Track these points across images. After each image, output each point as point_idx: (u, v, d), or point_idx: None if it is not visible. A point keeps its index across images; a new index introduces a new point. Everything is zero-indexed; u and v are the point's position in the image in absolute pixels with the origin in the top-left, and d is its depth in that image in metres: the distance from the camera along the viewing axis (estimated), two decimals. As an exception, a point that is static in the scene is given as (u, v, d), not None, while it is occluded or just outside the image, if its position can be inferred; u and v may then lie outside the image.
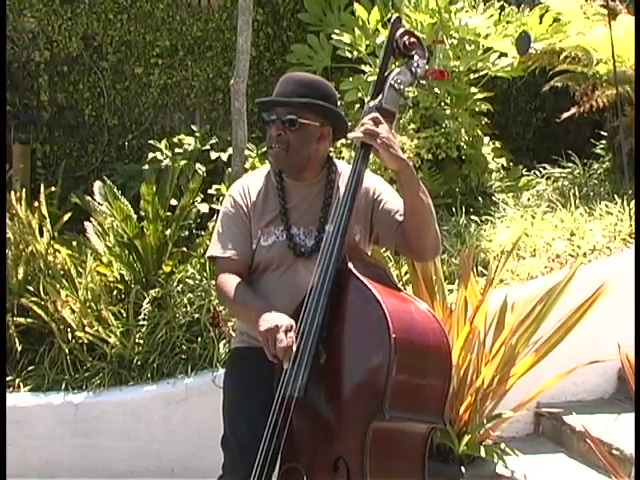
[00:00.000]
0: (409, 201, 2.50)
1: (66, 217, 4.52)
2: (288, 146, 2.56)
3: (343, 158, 4.62)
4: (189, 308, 4.15)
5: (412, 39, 2.52)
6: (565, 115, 5.40)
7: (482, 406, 3.55)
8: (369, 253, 2.67)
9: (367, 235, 2.63)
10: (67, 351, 4.07)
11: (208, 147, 5.36)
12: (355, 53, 5.40)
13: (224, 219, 2.67)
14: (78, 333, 4.08)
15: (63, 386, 4.03)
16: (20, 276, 4.20)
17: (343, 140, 4.61)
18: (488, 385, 3.54)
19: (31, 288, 4.18)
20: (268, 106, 2.61)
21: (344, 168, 2.67)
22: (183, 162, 5.17)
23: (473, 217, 4.84)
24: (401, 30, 2.52)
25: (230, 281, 2.57)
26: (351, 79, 5.33)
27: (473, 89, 5.37)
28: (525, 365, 3.57)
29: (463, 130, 5.14)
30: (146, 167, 5.27)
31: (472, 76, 5.37)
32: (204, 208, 4.73)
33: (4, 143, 4.77)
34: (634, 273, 3.93)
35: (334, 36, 5.49)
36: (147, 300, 4.16)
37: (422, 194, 2.50)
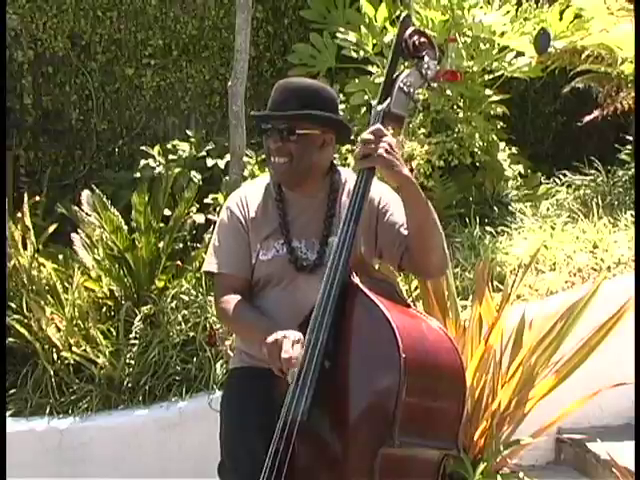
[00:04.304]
0: (412, 219, 2.52)
1: (51, 229, 4.54)
2: (291, 157, 2.58)
3: (349, 165, 4.64)
4: (184, 326, 4.17)
5: (422, 39, 2.54)
6: (587, 118, 5.41)
7: (498, 431, 3.56)
8: (376, 266, 2.69)
9: (372, 246, 2.65)
10: (52, 373, 4.09)
11: (204, 154, 5.38)
12: (361, 53, 5.42)
13: (221, 232, 2.68)
14: (64, 353, 4.10)
15: (47, 411, 4.05)
16: (2, 292, 4.23)
17: (349, 146, 4.68)
18: (505, 409, 3.55)
19: (13, 305, 4.20)
20: (261, 117, 2.65)
21: (348, 176, 2.69)
22: (177, 170, 5.19)
23: (488, 228, 4.85)
24: (410, 29, 2.53)
25: (231, 300, 2.59)
26: (357, 80, 5.34)
27: (488, 91, 5.39)
28: (545, 387, 3.58)
29: (477, 135, 5.15)
30: (138, 175, 5.30)
31: (487, 77, 5.39)
32: (200, 219, 4.74)
33: (4, 147, 4.80)
34: (634, 285, 3.93)
35: (339, 35, 5.51)
36: (138, 317, 4.18)
37: (427, 212, 2.50)
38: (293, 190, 2.66)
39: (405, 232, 2.56)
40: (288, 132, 2.57)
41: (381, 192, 2.66)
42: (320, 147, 2.61)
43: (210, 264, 2.68)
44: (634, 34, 4.79)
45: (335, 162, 2.75)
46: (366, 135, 2.44)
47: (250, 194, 2.70)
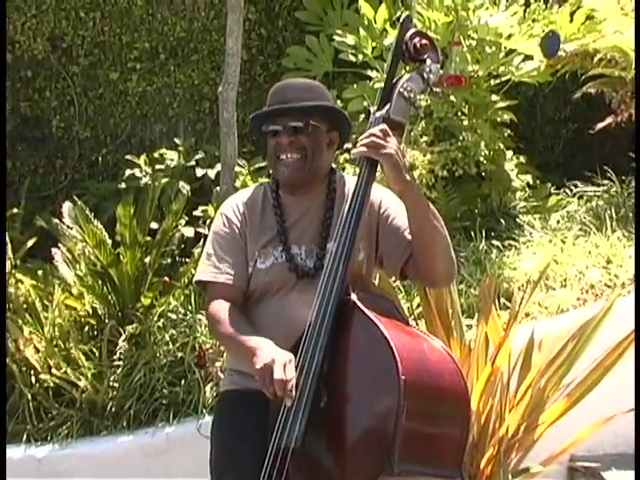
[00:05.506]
0: (415, 227, 2.54)
1: (30, 243, 4.56)
2: (305, 152, 2.62)
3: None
4: (171, 346, 4.17)
5: (424, 41, 2.56)
6: (600, 125, 5.43)
7: (507, 459, 3.55)
8: (375, 276, 2.69)
9: (372, 254, 2.66)
10: (30, 397, 4.09)
11: (193, 163, 5.40)
12: (360, 56, 5.44)
13: (216, 239, 2.69)
14: (43, 376, 4.09)
15: (24, 438, 4.05)
16: (-23, 310, 4.22)
17: (347, 155, 4.69)
18: (513, 435, 3.54)
19: (-11, 324, 4.20)
20: (266, 118, 2.66)
21: (348, 179, 2.72)
22: (165, 180, 5.21)
23: (494, 242, 4.86)
24: (411, 31, 2.56)
25: (223, 311, 2.58)
26: (355, 86, 5.37)
27: (494, 97, 5.40)
28: (556, 412, 3.57)
29: (483, 143, 5.16)
30: (123, 186, 5.31)
31: (493, 82, 5.41)
32: (189, 232, 4.76)
33: (4, 147, 4.81)
34: (634, 297, 3.93)
35: (336, 37, 5.53)
36: (123, 337, 4.18)
37: (432, 219, 2.52)
38: (296, 193, 2.68)
39: (409, 237, 2.58)
40: (296, 129, 2.59)
41: (382, 196, 2.68)
42: (327, 146, 2.66)
43: (203, 273, 2.67)
44: (634, 34, 4.80)
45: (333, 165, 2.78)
46: (375, 130, 2.46)
47: (246, 200, 2.72)
